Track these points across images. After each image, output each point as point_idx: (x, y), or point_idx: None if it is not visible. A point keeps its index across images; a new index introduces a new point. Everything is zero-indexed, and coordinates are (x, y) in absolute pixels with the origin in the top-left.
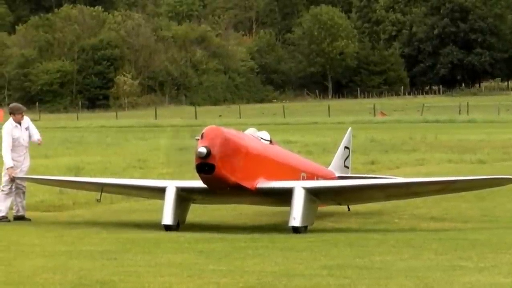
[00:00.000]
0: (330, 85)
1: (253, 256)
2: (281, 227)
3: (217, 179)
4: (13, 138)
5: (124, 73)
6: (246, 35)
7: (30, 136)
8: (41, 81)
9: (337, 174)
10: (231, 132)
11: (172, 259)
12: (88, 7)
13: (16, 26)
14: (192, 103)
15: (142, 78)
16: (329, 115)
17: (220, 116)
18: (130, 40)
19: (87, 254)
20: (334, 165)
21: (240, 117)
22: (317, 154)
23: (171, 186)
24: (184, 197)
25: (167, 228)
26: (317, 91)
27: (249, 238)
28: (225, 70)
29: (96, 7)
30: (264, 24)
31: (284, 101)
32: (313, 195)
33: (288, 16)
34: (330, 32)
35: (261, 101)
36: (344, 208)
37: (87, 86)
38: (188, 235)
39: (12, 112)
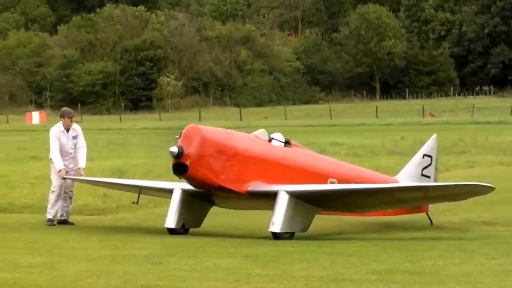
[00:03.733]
0: (377, 86)
1: (300, 261)
2: (329, 232)
3: (191, 179)
4: (60, 144)
5: (167, 74)
6: (291, 35)
7: (76, 144)
8: (83, 82)
9: (404, 183)
10: (214, 132)
11: (218, 264)
12: (130, 6)
13: (58, 27)
14: (236, 105)
15: (185, 79)
16: (376, 117)
17: (265, 117)
18: (173, 40)
19: (131, 258)
20: (407, 173)
21: (285, 119)
22: (364, 157)
23: (177, 189)
24: (194, 200)
25: (170, 231)
26: (364, 92)
27: (295, 242)
28: (270, 70)
29: (139, 7)
30: (310, 23)
31: (330, 102)
32: (299, 199)
33: (335, 15)
34: (378, 31)
35: (307, 102)
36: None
37: (130, 88)
38: (233, 240)
39: (61, 115)
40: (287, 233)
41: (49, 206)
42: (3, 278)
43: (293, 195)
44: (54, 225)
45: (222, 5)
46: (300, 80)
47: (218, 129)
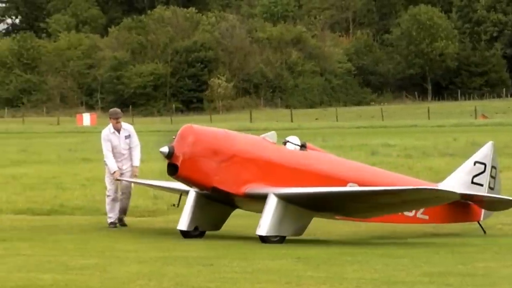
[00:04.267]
0: (429, 87)
1: (351, 263)
2: (380, 234)
3: (183, 180)
4: (112, 145)
5: (218, 75)
6: (342, 36)
7: (129, 144)
8: (134, 84)
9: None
10: (209, 133)
11: (269, 266)
12: (181, 8)
13: (108, 28)
14: (287, 106)
15: (236, 80)
16: (428, 118)
17: (316, 119)
18: (224, 42)
19: (183, 260)
20: (455, 180)
21: (337, 120)
22: (416, 158)
23: (192, 191)
24: (210, 202)
25: (183, 234)
26: (416, 93)
27: (347, 245)
28: (321, 72)
29: (190, 8)
30: (361, 25)
31: (382, 104)
32: (290, 202)
33: (386, 16)
34: (429, 32)
35: (359, 103)
36: None
37: (181, 89)
38: (285, 241)
39: (109, 117)
40: (276, 236)
41: (107, 210)
42: (54, 279)
43: (282, 198)
44: (116, 227)
45: (273, 6)
46: (352, 82)
47: (215, 130)
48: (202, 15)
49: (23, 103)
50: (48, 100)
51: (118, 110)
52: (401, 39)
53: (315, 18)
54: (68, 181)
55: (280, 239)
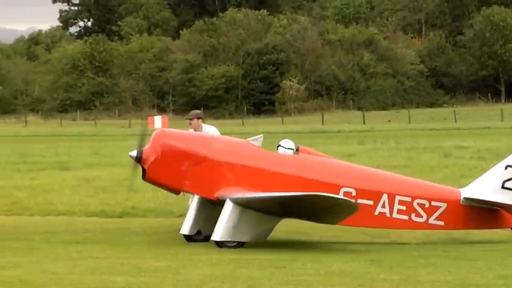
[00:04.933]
0: (502, 89)
1: (425, 266)
2: (452, 237)
3: (151, 183)
4: None
5: (290, 77)
6: (415, 38)
7: None
8: (206, 86)
9: (473, 195)
10: (180, 137)
11: (342, 268)
12: (253, 10)
13: (180, 31)
14: (359, 108)
15: (308, 82)
16: (502, 120)
17: (389, 121)
18: (296, 44)
19: (256, 262)
20: (482, 184)
21: (409, 122)
22: (490, 160)
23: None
24: (214, 207)
25: (186, 238)
26: (489, 94)
27: (421, 247)
28: (393, 73)
29: (261, 11)
30: (433, 26)
31: (455, 106)
32: (245, 207)
33: (459, 17)
34: (503, 33)
35: (431, 105)
36: None
37: (252, 91)
38: (358, 244)
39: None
40: (232, 242)
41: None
42: (127, 282)
43: (237, 203)
44: None
45: (345, 8)
46: (424, 83)
47: (188, 134)
48: (274, 17)
49: (95, 106)
50: (120, 102)
51: (194, 111)
52: (474, 41)
53: (387, 19)
54: (140, 183)
55: (238, 245)
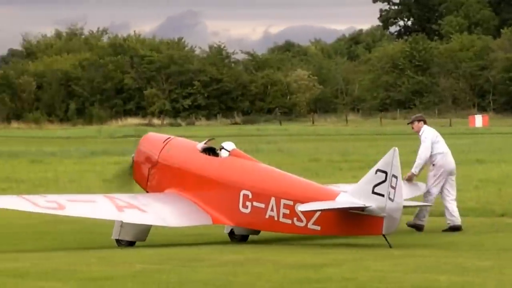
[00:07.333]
0: None
1: None
2: None
3: (137, 184)
4: None
5: None
6: None
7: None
8: None
9: (350, 198)
10: (152, 140)
11: None
12: None
13: (501, 30)
14: None
15: None
16: None
17: None
18: None
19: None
20: (357, 189)
21: None
22: None
23: None
24: None
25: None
26: None
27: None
28: None
29: None
30: None
31: None
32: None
33: None
34: None
35: None
36: None
37: None
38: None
39: None
40: (121, 240)
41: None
42: (450, 281)
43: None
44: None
45: None
46: None
47: (159, 137)
48: None
49: (414, 105)
50: (440, 101)
51: (417, 115)
52: None
53: None
54: (461, 182)
55: (127, 243)
